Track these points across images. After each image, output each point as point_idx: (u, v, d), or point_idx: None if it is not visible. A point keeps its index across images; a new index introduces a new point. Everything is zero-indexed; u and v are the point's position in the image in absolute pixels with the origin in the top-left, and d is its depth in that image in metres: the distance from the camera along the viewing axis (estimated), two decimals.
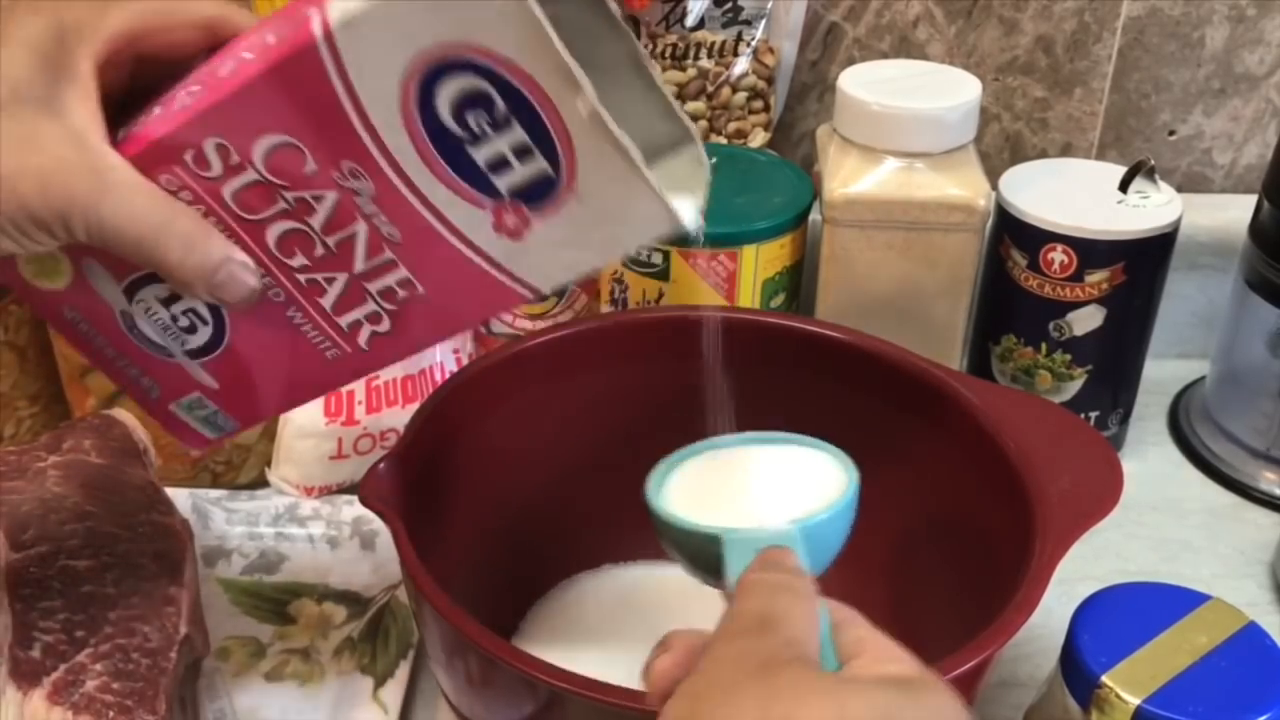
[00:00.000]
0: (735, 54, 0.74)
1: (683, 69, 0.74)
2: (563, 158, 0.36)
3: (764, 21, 0.75)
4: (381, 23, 0.35)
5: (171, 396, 0.47)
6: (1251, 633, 0.47)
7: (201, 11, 0.41)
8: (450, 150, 0.37)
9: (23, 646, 0.47)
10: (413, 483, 0.48)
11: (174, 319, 0.44)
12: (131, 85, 0.41)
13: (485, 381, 0.54)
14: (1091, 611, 0.48)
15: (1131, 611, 0.47)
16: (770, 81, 0.75)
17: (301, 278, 0.42)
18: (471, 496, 0.54)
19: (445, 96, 0.36)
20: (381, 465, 0.48)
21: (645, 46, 0.74)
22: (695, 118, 0.75)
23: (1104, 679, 0.45)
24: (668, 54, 0.74)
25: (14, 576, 0.49)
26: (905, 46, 0.78)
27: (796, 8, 0.75)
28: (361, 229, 0.40)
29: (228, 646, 0.58)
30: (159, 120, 0.40)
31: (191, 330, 0.44)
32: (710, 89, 0.74)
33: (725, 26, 0.75)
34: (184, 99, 0.39)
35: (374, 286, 0.41)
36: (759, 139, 0.76)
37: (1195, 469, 0.73)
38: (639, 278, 0.66)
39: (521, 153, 0.36)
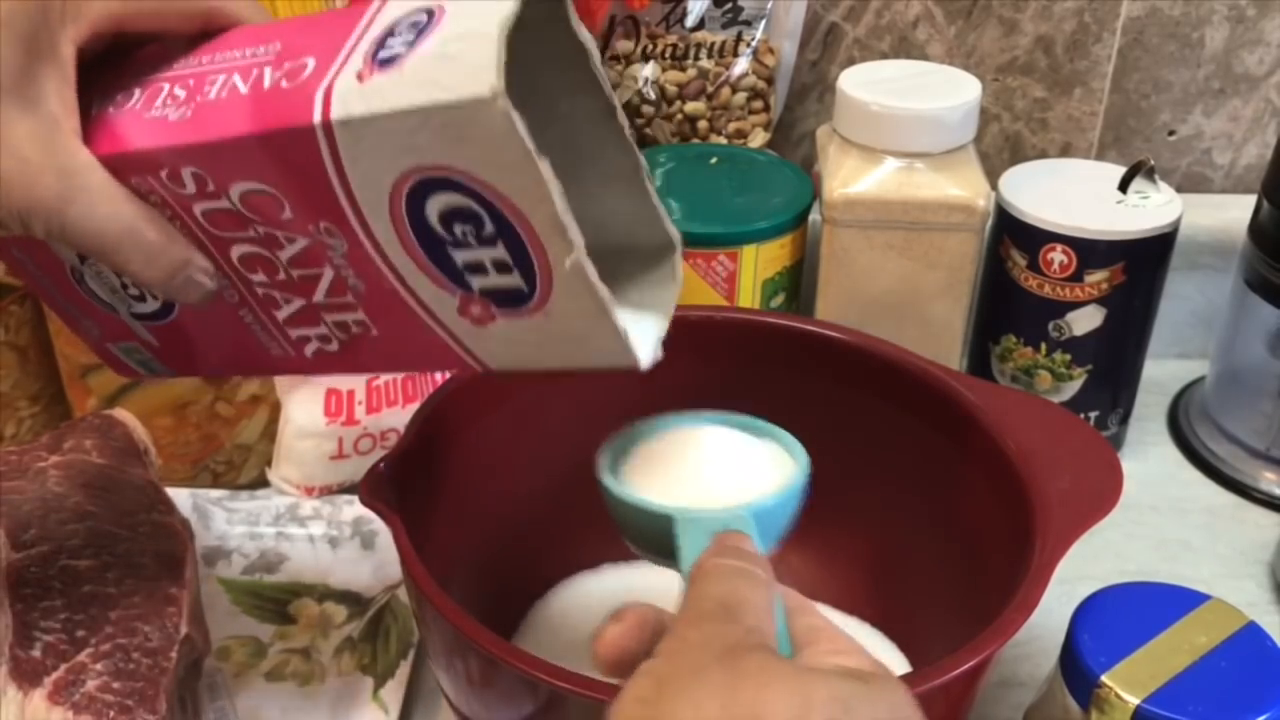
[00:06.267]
0: (735, 54, 0.74)
1: (683, 69, 0.74)
2: (539, 285, 0.36)
3: (764, 21, 0.75)
4: (384, 133, 0.34)
5: (111, 340, 0.46)
6: (1251, 633, 0.47)
7: (198, 3, 0.40)
8: (431, 245, 0.36)
9: (23, 646, 0.47)
10: (413, 483, 0.48)
11: (124, 285, 0.43)
12: (110, 46, 0.40)
13: (485, 382, 0.54)
14: (1091, 611, 0.48)
15: (1131, 611, 0.47)
16: (770, 81, 0.75)
17: (259, 291, 0.41)
18: (472, 496, 0.54)
19: (435, 205, 0.35)
20: (382, 465, 0.48)
21: (645, 46, 0.74)
22: (695, 118, 0.75)
23: (1104, 679, 0.45)
24: (668, 54, 0.74)
25: (15, 576, 0.49)
26: (905, 46, 0.78)
27: (796, 8, 0.75)
28: (328, 273, 0.39)
29: (228, 646, 0.58)
30: (139, 125, 0.38)
31: (140, 299, 0.43)
32: (710, 89, 0.75)
33: (725, 27, 0.75)
34: (167, 111, 0.38)
35: (330, 317, 0.41)
36: (759, 139, 0.76)
37: (1195, 469, 0.73)
38: None
39: (500, 266, 0.36)
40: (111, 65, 0.40)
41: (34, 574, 0.50)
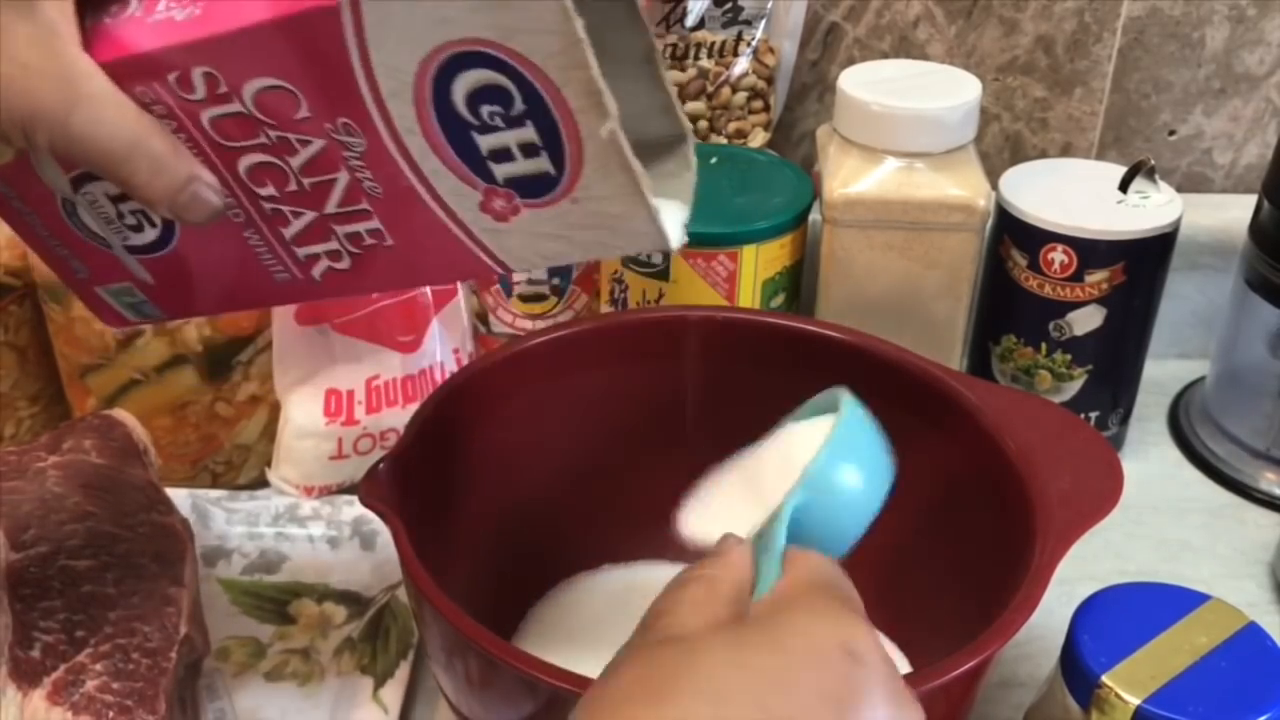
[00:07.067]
0: (735, 54, 0.74)
1: (683, 69, 0.74)
2: (569, 165, 0.35)
3: (764, 21, 0.75)
4: (414, 5, 0.33)
5: (100, 281, 0.45)
6: (1251, 633, 0.47)
7: None
8: (455, 132, 0.36)
9: (23, 646, 0.47)
10: (413, 483, 0.48)
11: (120, 215, 0.42)
12: None
13: (485, 381, 0.54)
14: (1091, 611, 0.48)
15: (1131, 611, 0.47)
16: (770, 81, 0.75)
17: (267, 206, 0.40)
18: (471, 496, 0.54)
19: (463, 84, 0.34)
20: (381, 465, 0.48)
21: None
22: (695, 118, 0.75)
23: (1104, 679, 0.45)
24: (668, 54, 0.74)
25: (14, 576, 0.49)
26: (905, 46, 0.78)
27: (796, 8, 0.75)
28: (343, 178, 0.38)
29: (228, 646, 0.58)
30: (142, 29, 0.37)
31: (138, 229, 0.42)
32: (710, 89, 0.74)
33: (725, 26, 0.75)
34: (173, 12, 0.36)
35: (342, 229, 0.40)
36: (759, 139, 0.76)
37: (1195, 469, 0.73)
38: (639, 278, 0.66)
39: (528, 150, 0.35)
40: None
41: (34, 574, 0.50)
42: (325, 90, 0.36)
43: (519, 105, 0.34)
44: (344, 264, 0.41)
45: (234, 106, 0.37)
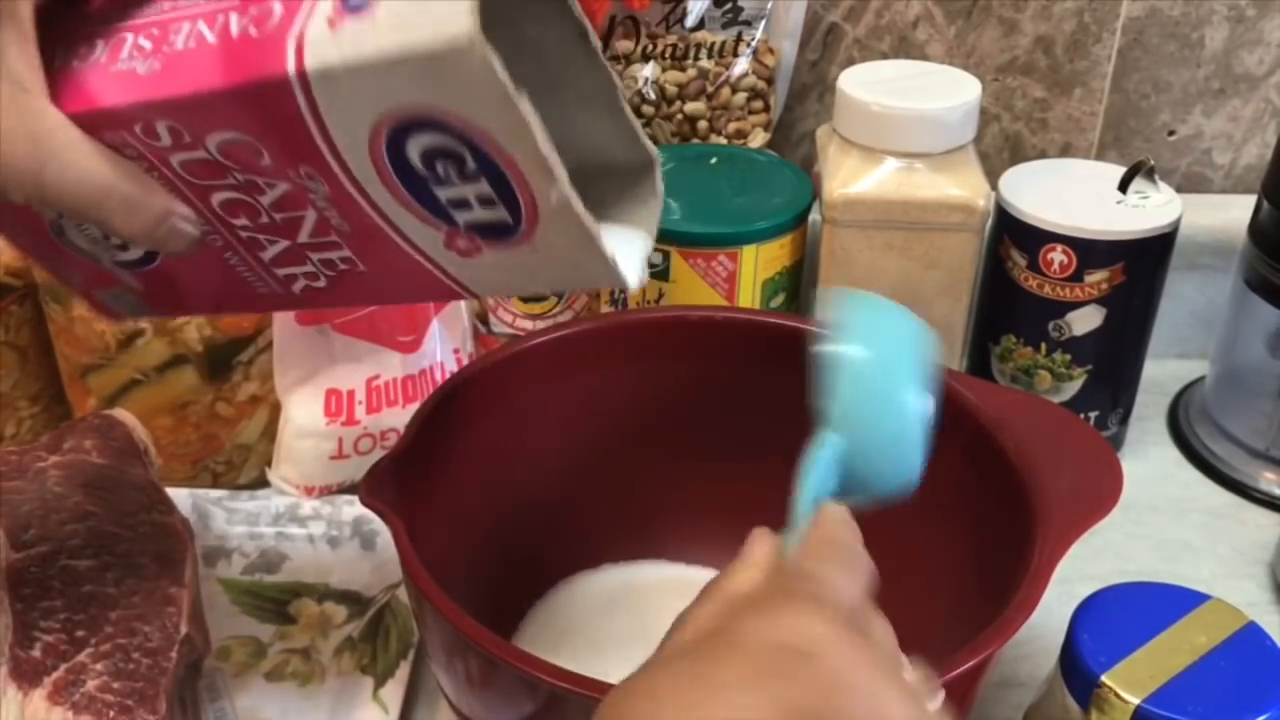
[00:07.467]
0: (735, 54, 0.74)
1: (683, 69, 0.74)
2: (525, 218, 0.36)
3: (764, 22, 0.75)
4: (361, 79, 0.34)
5: (95, 287, 0.46)
6: (1251, 633, 0.47)
7: None
8: (412, 183, 0.36)
9: (23, 646, 0.47)
10: (413, 483, 0.48)
11: (105, 236, 0.43)
12: None
13: (485, 381, 0.54)
14: (1091, 611, 0.48)
15: (1131, 611, 0.47)
16: (770, 82, 0.75)
17: (243, 234, 0.41)
18: (472, 496, 0.54)
19: (417, 145, 0.35)
20: (382, 465, 0.48)
21: (645, 46, 0.74)
22: (695, 118, 0.75)
23: (1104, 679, 0.45)
24: (668, 54, 0.74)
25: (15, 576, 0.49)
26: (905, 47, 0.78)
27: (796, 8, 0.75)
28: (310, 214, 0.39)
29: (228, 646, 0.58)
30: (106, 80, 0.37)
31: (123, 248, 0.43)
32: (710, 89, 0.74)
33: (725, 27, 0.75)
34: (135, 64, 0.37)
35: (316, 256, 0.41)
36: (759, 139, 0.76)
37: (1195, 469, 0.73)
38: None
39: (485, 201, 0.36)
40: (68, 14, 0.39)
41: (34, 574, 0.50)
42: (285, 145, 0.37)
43: (471, 164, 0.35)
44: (321, 284, 0.42)
45: (200, 154, 0.38)
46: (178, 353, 0.63)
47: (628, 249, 0.38)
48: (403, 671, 0.56)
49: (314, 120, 0.35)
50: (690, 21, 0.74)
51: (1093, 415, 0.70)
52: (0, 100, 0.36)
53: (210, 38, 0.36)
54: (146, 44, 0.38)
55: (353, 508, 0.64)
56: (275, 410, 0.66)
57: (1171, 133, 0.81)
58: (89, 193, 0.37)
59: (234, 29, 0.36)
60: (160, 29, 0.38)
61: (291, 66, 0.34)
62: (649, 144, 0.41)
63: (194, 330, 0.62)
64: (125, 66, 0.38)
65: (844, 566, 0.35)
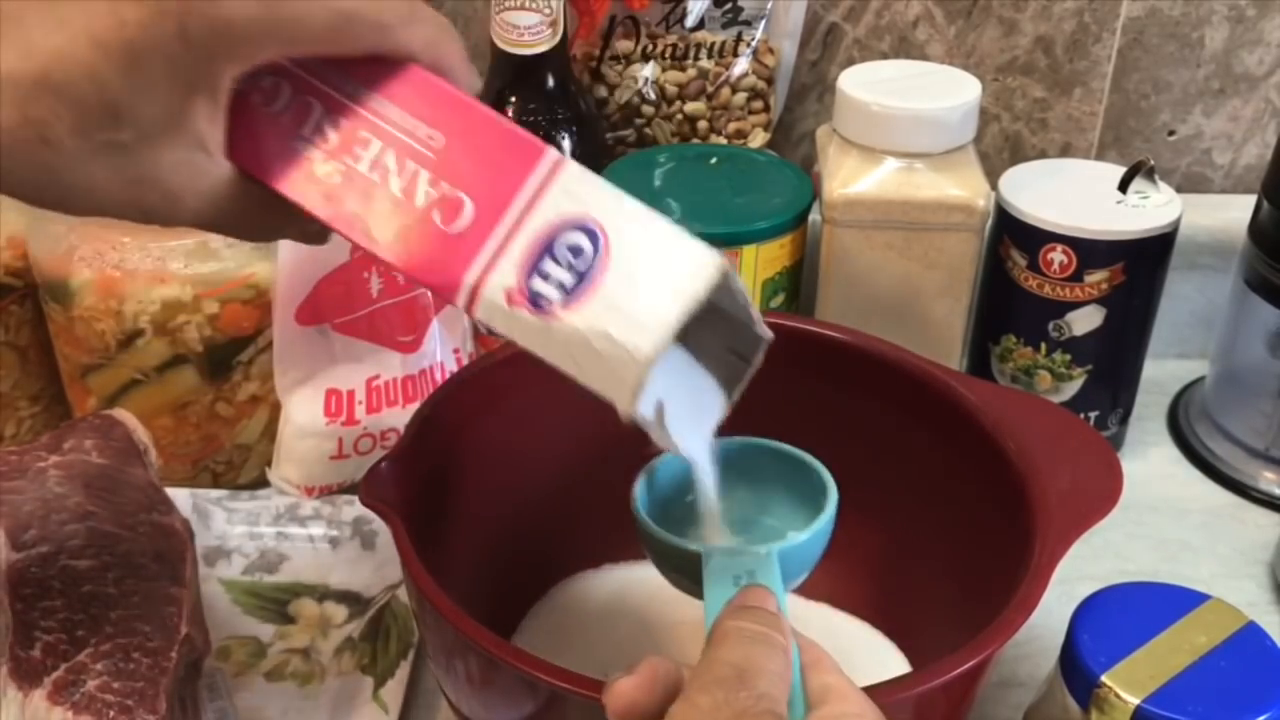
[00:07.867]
0: (735, 54, 0.74)
1: (683, 69, 0.74)
2: None
3: (764, 22, 0.75)
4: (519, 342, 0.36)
5: None
6: (1251, 633, 0.47)
7: (410, 41, 0.36)
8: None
9: (23, 646, 0.47)
10: (413, 482, 0.49)
11: None
12: None
13: (485, 381, 0.54)
14: (1091, 611, 0.48)
15: (1131, 611, 0.47)
16: (770, 82, 0.75)
17: None
18: (472, 496, 0.54)
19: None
20: (382, 465, 0.48)
21: (645, 46, 0.74)
22: (695, 118, 0.75)
23: (1103, 679, 0.45)
24: (668, 54, 0.74)
25: (15, 576, 0.49)
26: (905, 47, 0.78)
27: (796, 8, 0.75)
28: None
29: (228, 646, 0.58)
30: (282, 151, 0.37)
31: None
32: (710, 89, 0.75)
33: (725, 27, 0.75)
34: (314, 151, 0.36)
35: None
36: (759, 139, 0.76)
37: (1195, 469, 0.73)
38: None
39: None
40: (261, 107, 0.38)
41: (34, 574, 0.50)
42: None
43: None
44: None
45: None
46: (178, 353, 0.63)
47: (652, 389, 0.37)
48: (403, 671, 0.56)
49: (466, 315, 0.37)
50: (690, 21, 0.74)
51: (1093, 415, 0.70)
52: (175, 167, 0.35)
53: (396, 191, 0.36)
54: (331, 133, 0.37)
55: (353, 508, 0.64)
56: (275, 410, 0.66)
57: (1171, 133, 0.81)
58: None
59: (419, 198, 0.36)
60: (348, 126, 0.37)
61: (462, 301, 0.36)
62: (764, 329, 0.40)
63: (194, 330, 0.62)
64: (304, 145, 0.37)
65: (720, 686, 0.33)
